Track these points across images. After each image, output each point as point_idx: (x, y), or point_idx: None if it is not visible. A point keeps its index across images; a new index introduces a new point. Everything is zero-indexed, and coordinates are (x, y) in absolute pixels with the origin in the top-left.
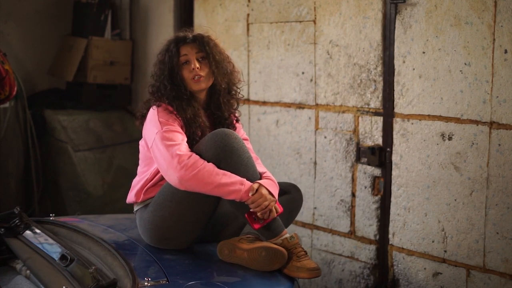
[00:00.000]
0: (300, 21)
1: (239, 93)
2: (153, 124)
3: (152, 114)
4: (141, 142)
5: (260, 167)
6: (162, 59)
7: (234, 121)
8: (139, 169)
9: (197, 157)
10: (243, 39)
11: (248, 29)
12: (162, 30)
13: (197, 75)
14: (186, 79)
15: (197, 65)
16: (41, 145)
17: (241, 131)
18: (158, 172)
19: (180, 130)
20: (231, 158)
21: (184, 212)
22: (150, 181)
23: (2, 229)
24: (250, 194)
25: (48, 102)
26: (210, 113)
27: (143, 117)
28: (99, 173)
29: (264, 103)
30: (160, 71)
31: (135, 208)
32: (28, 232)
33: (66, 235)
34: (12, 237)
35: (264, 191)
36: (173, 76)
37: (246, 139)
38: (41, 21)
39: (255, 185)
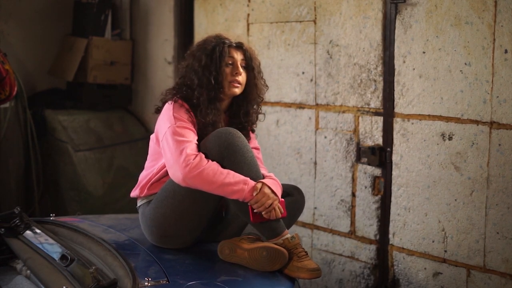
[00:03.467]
0: (300, 21)
1: (260, 108)
2: (166, 118)
3: (167, 109)
4: (152, 136)
5: (264, 171)
6: (210, 53)
7: (250, 132)
8: (147, 163)
9: (203, 156)
10: (244, 39)
11: (248, 29)
12: (162, 30)
13: (236, 80)
14: (226, 81)
15: (241, 71)
16: (42, 145)
17: (254, 141)
18: (164, 167)
19: (193, 128)
20: (234, 156)
21: (185, 210)
22: (155, 176)
23: (3, 229)
24: (253, 194)
25: (48, 102)
26: (226, 118)
27: (158, 110)
28: (100, 173)
29: (264, 103)
30: (206, 65)
31: (138, 204)
32: (28, 232)
33: (66, 235)
34: (13, 237)
35: (267, 190)
36: (218, 74)
37: (257, 148)
38: (41, 21)
39: (259, 185)
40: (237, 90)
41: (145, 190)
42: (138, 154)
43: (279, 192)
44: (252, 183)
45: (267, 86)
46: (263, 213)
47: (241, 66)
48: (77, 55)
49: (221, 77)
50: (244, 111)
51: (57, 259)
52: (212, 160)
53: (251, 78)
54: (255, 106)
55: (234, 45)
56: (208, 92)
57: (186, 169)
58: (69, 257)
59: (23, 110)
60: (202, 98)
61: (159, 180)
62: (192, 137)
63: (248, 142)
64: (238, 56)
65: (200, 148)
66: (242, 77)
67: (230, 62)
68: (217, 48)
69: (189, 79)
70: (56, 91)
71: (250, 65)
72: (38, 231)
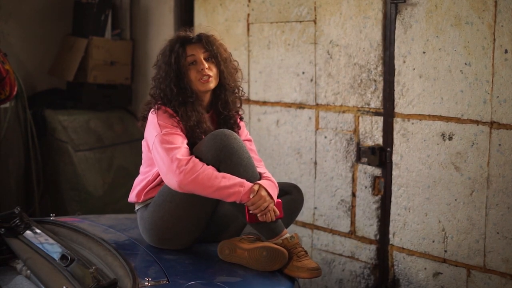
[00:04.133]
0: (301, 21)
1: (241, 91)
2: (152, 127)
3: (152, 117)
4: (144, 143)
5: (261, 169)
6: (167, 60)
7: (238, 120)
8: (142, 168)
9: (197, 160)
10: (244, 39)
11: (248, 29)
12: (162, 30)
13: (206, 75)
14: (193, 80)
15: (206, 65)
16: (42, 145)
17: (244, 131)
18: (159, 174)
19: (180, 132)
20: (230, 159)
21: (183, 213)
22: (152, 182)
23: (3, 229)
24: (250, 196)
25: (48, 102)
26: (213, 114)
27: (144, 118)
28: (100, 173)
29: (264, 103)
30: (166, 73)
31: (136, 208)
32: (28, 232)
33: (66, 235)
34: (13, 237)
35: (263, 193)
36: (180, 78)
37: (249, 140)
38: (41, 21)
39: (255, 187)
40: (211, 85)
41: (142, 196)
42: (138, 154)
43: (275, 194)
44: (248, 185)
45: (238, 69)
46: (258, 215)
47: (206, 59)
48: (77, 55)
49: (183, 82)
50: (222, 101)
51: (57, 259)
52: (208, 164)
53: (219, 66)
54: (236, 91)
55: (191, 41)
56: (175, 99)
57: (180, 176)
58: (69, 257)
59: (23, 110)
60: (174, 104)
61: (157, 186)
62: (180, 142)
63: (239, 132)
64: (198, 51)
65: (194, 152)
66: (210, 70)
67: (192, 60)
68: (173, 52)
69: (155, 91)
70: (56, 91)
71: (213, 54)
72: (38, 231)
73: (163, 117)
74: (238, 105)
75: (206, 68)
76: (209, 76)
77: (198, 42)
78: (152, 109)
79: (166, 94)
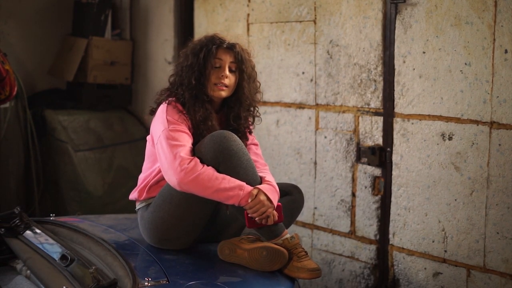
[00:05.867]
0: (300, 21)
1: (257, 111)
2: (160, 121)
3: (161, 111)
4: (148, 138)
5: (263, 173)
6: (197, 53)
7: (247, 133)
8: (144, 165)
9: (198, 161)
10: (244, 39)
11: (248, 29)
12: (162, 30)
13: (222, 83)
14: (210, 82)
15: (227, 74)
16: (42, 145)
17: (251, 137)
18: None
19: (187, 131)
20: (230, 161)
21: (183, 214)
22: (153, 178)
23: (3, 229)
24: (249, 200)
25: (48, 102)
26: (222, 117)
27: (153, 112)
28: (100, 173)
29: (264, 103)
30: (191, 65)
31: (137, 207)
32: (28, 232)
33: (66, 235)
34: (13, 237)
35: (262, 197)
36: (202, 74)
37: (256, 144)
38: (41, 21)
39: (254, 191)
40: (223, 93)
41: (144, 194)
42: (138, 154)
43: (275, 199)
44: (248, 188)
45: (260, 91)
46: (256, 219)
47: (230, 69)
48: (77, 55)
49: (203, 78)
50: (234, 114)
51: (57, 259)
52: (208, 165)
53: (241, 81)
54: (251, 109)
55: (225, 46)
56: (189, 91)
57: (181, 174)
58: (69, 257)
59: (23, 110)
60: (185, 96)
61: (157, 183)
62: (186, 141)
63: (246, 143)
64: (227, 58)
65: (195, 152)
66: (229, 80)
67: (218, 64)
68: (205, 48)
69: (175, 78)
70: (56, 91)
71: (240, 68)
72: (38, 231)
73: (172, 113)
74: (250, 122)
75: (226, 77)
76: (225, 85)
77: (231, 50)
78: (163, 103)
79: (183, 83)
